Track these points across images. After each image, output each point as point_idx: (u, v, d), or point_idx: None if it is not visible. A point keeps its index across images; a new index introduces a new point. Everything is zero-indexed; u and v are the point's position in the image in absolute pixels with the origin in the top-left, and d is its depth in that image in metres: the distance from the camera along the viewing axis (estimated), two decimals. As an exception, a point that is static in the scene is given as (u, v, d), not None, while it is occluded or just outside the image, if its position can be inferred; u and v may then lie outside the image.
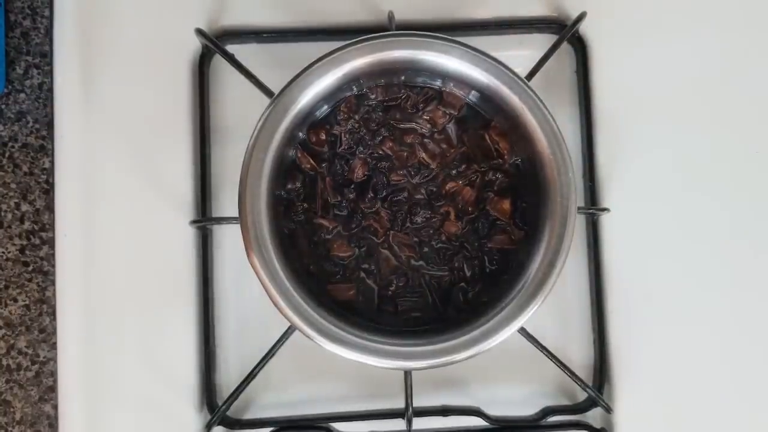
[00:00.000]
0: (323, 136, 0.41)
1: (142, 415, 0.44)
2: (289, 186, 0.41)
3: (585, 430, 0.45)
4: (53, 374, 0.45)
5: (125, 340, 0.45)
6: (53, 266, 0.45)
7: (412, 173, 0.42)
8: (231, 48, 0.45)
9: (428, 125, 0.42)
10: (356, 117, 0.41)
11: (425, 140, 0.42)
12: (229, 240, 0.46)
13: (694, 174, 0.47)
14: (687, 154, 0.47)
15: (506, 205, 0.41)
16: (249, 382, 0.43)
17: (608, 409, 0.44)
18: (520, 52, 0.47)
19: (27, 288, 0.46)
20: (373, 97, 0.41)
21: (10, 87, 0.47)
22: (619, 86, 0.46)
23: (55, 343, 0.44)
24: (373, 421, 0.44)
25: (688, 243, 0.46)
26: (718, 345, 0.46)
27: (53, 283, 0.45)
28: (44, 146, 0.47)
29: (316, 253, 0.41)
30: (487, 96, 0.40)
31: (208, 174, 0.46)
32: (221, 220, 0.44)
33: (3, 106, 0.47)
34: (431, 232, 0.42)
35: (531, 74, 0.43)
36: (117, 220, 0.45)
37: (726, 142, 0.47)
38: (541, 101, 0.38)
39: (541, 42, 0.46)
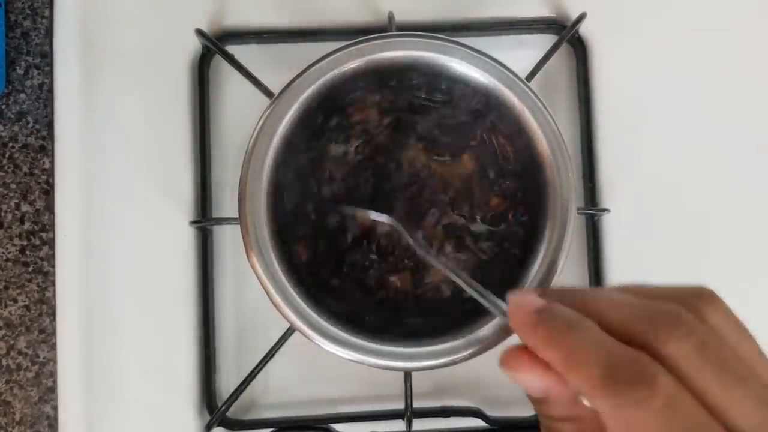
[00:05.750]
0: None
1: (142, 415, 0.44)
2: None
3: (585, 430, 0.45)
4: (53, 375, 0.45)
5: (125, 340, 0.45)
6: (53, 267, 0.45)
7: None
8: (231, 48, 0.45)
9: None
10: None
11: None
12: (229, 240, 0.46)
13: (694, 174, 0.47)
14: (687, 154, 0.47)
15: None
16: (249, 383, 0.43)
17: (608, 410, 0.44)
18: (520, 53, 0.47)
19: (27, 288, 0.46)
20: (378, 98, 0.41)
21: (10, 87, 0.47)
22: (619, 86, 0.46)
23: (55, 344, 0.44)
24: (373, 421, 0.44)
25: (688, 243, 0.46)
26: (719, 346, 0.46)
27: (53, 283, 0.45)
28: (44, 146, 0.47)
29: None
30: (487, 96, 0.40)
31: (208, 174, 0.46)
32: (221, 221, 0.44)
33: (3, 107, 0.47)
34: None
35: (531, 75, 0.43)
36: (117, 220, 0.45)
37: (727, 142, 0.47)
38: (541, 101, 0.38)
39: (541, 42, 0.46)
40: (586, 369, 0.22)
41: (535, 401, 0.25)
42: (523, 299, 0.25)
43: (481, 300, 0.30)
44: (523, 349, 0.25)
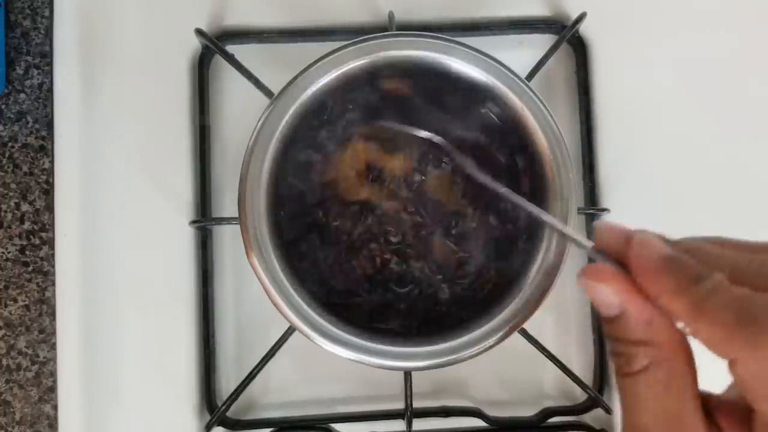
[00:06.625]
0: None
1: (142, 415, 0.44)
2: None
3: (585, 431, 0.45)
4: (53, 374, 0.45)
5: (125, 340, 0.45)
6: (53, 266, 0.45)
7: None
8: (231, 48, 0.45)
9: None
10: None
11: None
12: (229, 240, 0.46)
13: (694, 174, 0.47)
14: (687, 154, 0.47)
15: None
16: (248, 383, 0.43)
17: (608, 410, 0.44)
18: (520, 52, 0.47)
19: (27, 288, 0.46)
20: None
21: (10, 87, 0.47)
22: (619, 86, 0.46)
23: (55, 344, 0.44)
24: (373, 421, 0.44)
25: (689, 243, 0.46)
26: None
27: (53, 283, 0.45)
28: (44, 146, 0.47)
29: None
30: (486, 96, 0.40)
31: (207, 174, 0.46)
32: (221, 221, 0.44)
33: (3, 106, 0.47)
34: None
35: (531, 74, 0.43)
36: (117, 220, 0.45)
37: (727, 142, 0.47)
38: (541, 101, 0.38)
39: (541, 42, 0.46)
40: (720, 313, 0.21)
41: (608, 320, 0.24)
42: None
43: (558, 228, 0.30)
44: (605, 267, 0.24)
